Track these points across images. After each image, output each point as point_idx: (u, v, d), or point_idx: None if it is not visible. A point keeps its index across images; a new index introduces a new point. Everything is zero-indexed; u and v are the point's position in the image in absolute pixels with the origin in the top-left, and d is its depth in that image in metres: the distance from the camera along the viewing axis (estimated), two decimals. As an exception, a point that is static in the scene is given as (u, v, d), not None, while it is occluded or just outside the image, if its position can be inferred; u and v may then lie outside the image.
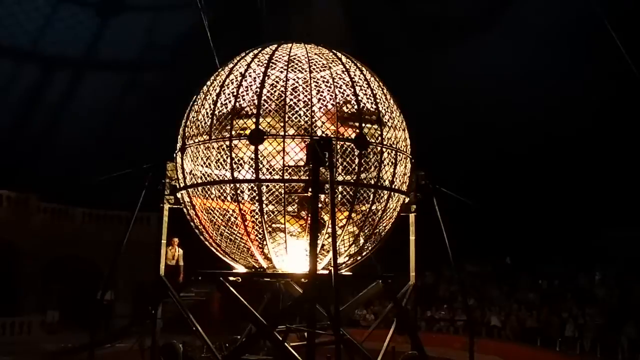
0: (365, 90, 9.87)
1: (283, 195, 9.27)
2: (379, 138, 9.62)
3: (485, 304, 22.68)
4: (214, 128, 9.48)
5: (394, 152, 9.89)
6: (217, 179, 9.71)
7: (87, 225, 25.64)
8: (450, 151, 25.66)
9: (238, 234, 9.66)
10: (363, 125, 9.45)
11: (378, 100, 9.89)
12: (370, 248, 10.49)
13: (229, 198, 9.58)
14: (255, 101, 9.36)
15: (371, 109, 9.69)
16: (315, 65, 9.94)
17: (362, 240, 10.08)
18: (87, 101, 29.48)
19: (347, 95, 9.68)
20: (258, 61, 9.95)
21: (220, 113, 9.51)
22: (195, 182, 9.89)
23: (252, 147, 9.11)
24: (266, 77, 9.57)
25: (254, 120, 9.19)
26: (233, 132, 9.28)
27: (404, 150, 10.27)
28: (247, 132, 9.16)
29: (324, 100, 9.75)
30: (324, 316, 10.01)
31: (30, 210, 24.13)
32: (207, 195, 9.79)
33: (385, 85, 10.50)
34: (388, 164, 9.84)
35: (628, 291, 20.38)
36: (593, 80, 24.29)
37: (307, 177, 9.06)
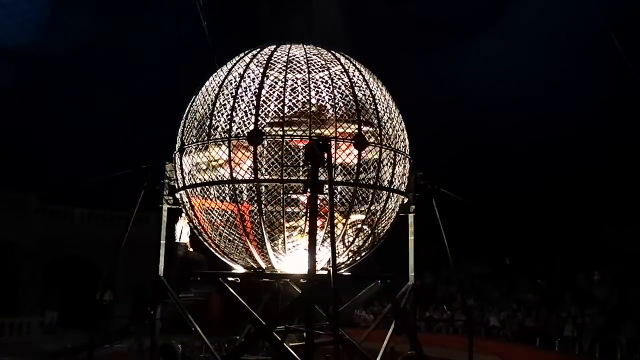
0: (364, 91, 9.87)
1: (282, 195, 9.29)
2: (378, 138, 9.64)
3: (484, 304, 22.69)
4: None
5: (392, 152, 9.89)
6: (215, 179, 9.70)
7: (87, 226, 25.63)
8: (449, 151, 25.68)
9: (237, 235, 9.67)
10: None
11: (377, 101, 9.89)
12: (369, 248, 10.50)
13: (227, 198, 9.58)
14: (254, 102, 9.37)
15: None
16: (314, 65, 9.94)
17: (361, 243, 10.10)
18: (86, 101, 29.50)
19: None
20: (257, 62, 9.96)
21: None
22: (193, 183, 9.89)
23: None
24: (265, 78, 9.58)
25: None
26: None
27: (403, 150, 10.27)
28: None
29: (322, 101, 9.76)
30: (323, 316, 10.03)
31: (29, 210, 24.11)
32: (205, 196, 9.79)
33: (384, 85, 10.51)
34: (387, 164, 9.85)
35: (627, 291, 20.40)
36: (593, 79, 24.33)
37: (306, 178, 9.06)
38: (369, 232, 10.10)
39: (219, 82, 9.89)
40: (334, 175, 9.05)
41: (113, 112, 29.33)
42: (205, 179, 9.70)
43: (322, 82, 9.92)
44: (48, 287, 24.27)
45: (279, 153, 9.19)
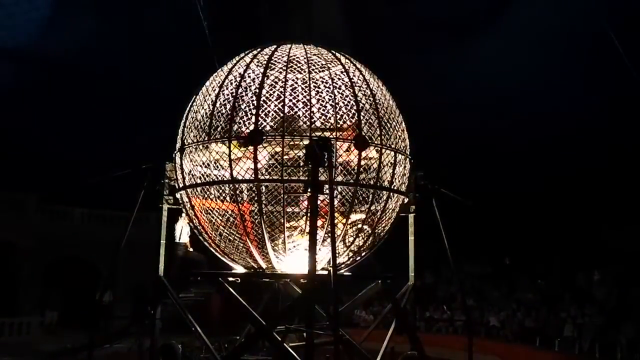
0: (365, 91, 9.88)
1: (282, 195, 9.29)
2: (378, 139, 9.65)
3: (484, 304, 22.69)
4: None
5: (393, 152, 9.90)
6: (216, 179, 9.71)
7: (87, 226, 25.61)
8: (449, 151, 25.68)
9: (237, 234, 9.67)
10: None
11: (377, 101, 9.89)
12: (369, 248, 10.50)
13: (228, 198, 9.59)
14: (255, 102, 9.37)
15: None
16: (314, 65, 9.94)
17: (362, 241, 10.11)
18: (85, 101, 29.49)
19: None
20: (257, 62, 9.96)
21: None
22: (194, 183, 9.89)
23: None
24: (265, 78, 9.58)
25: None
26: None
27: (403, 150, 10.27)
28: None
29: (322, 101, 9.76)
30: (323, 316, 10.03)
31: (30, 210, 24.10)
32: (206, 196, 9.80)
33: (384, 85, 10.51)
34: (387, 164, 9.85)
35: (626, 291, 20.41)
36: (594, 79, 24.34)
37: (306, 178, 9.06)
38: (370, 232, 10.10)
39: (219, 82, 9.89)
40: (334, 175, 9.06)
41: (113, 112, 29.31)
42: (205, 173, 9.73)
43: (322, 82, 9.93)
44: (48, 287, 24.25)
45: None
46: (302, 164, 9.00)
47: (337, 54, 10.33)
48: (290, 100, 9.50)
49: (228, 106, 9.50)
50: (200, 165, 9.79)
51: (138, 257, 18.43)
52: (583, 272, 23.00)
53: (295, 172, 9.26)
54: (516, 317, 20.65)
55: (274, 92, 9.64)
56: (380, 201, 9.97)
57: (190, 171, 9.93)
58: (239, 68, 9.94)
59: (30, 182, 24.65)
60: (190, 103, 10.32)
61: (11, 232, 23.05)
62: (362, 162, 9.50)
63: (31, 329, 20.23)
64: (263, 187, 9.46)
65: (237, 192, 9.46)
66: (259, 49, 10.22)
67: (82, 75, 29.70)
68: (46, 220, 24.53)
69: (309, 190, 8.74)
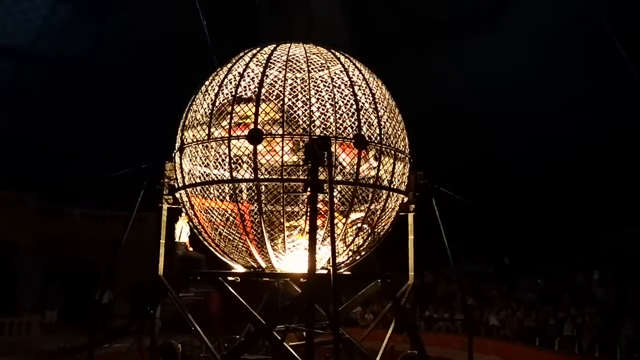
0: (364, 90, 9.87)
1: (282, 194, 9.28)
2: (377, 138, 9.64)
3: (484, 303, 22.69)
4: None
5: (392, 151, 9.89)
6: (215, 179, 9.70)
7: (86, 225, 25.60)
8: (449, 151, 25.67)
9: (237, 234, 9.66)
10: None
11: (377, 100, 9.89)
12: (369, 247, 10.49)
13: (227, 198, 9.58)
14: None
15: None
16: (313, 65, 9.93)
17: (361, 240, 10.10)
18: (85, 100, 29.48)
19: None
20: (257, 61, 9.96)
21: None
22: (193, 182, 9.88)
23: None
24: (264, 77, 9.57)
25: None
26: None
27: (403, 149, 10.27)
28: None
29: (322, 100, 9.76)
30: (323, 316, 10.03)
31: (29, 210, 24.09)
32: (205, 195, 9.79)
33: (384, 84, 10.50)
34: (387, 163, 9.84)
35: (626, 290, 20.42)
36: (592, 80, 24.33)
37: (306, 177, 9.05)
38: (369, 231, 10.10)
39: (218, 81, 9.89)
40: (334, 175, 9.05)
41: (113, 111, 29.29)
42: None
43: (321, 81, 9.92)
44: (47, 287, 24.23)
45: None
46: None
47: (337, 53, 10.32)
48: (290, 99, 9.50)
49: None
50: (200, 165, 9.79)
51: (138, 257, 18.42)
52: (583, 272, 23.01)
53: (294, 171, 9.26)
54: (516, 317, 20.65)
55: (273, 91, 9.64)
56: (380, 200, 9.96)
57: (190, 170, 9.92)
58: (238, 67, 9.94)
59: (30, 181, 24.61)
60: (190, 102, 10.32)
61: (11, 231, 23.03)
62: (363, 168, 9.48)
63: (31, 328, 20.19)
64: (263, 187, 9.46)
65: (237, 191, 9.45)
66: (258, 48, 10.22)
67: (82, 74, 29.68)
68: (46, 219, 24.51)
69: (309, 189, 8.74)
